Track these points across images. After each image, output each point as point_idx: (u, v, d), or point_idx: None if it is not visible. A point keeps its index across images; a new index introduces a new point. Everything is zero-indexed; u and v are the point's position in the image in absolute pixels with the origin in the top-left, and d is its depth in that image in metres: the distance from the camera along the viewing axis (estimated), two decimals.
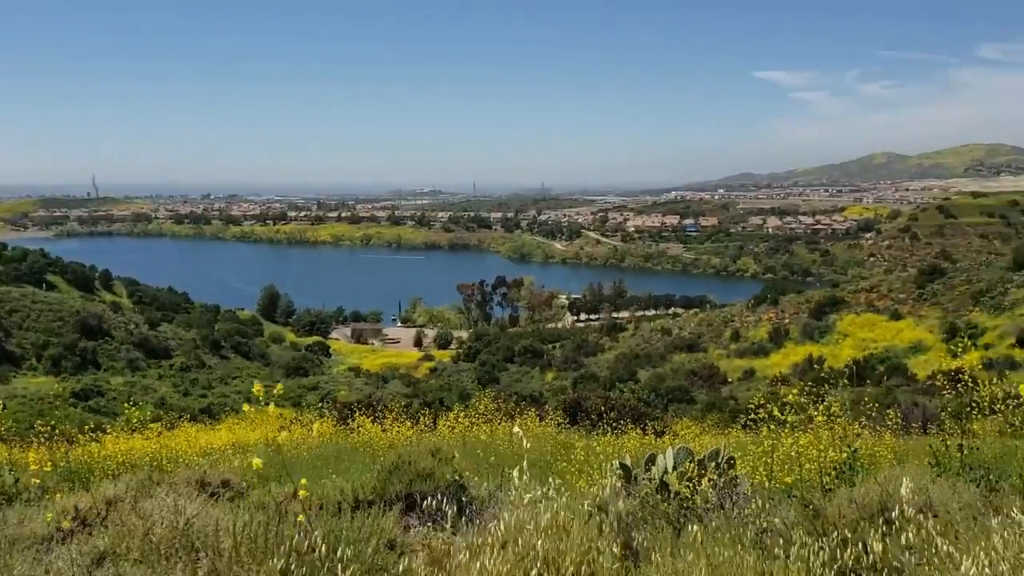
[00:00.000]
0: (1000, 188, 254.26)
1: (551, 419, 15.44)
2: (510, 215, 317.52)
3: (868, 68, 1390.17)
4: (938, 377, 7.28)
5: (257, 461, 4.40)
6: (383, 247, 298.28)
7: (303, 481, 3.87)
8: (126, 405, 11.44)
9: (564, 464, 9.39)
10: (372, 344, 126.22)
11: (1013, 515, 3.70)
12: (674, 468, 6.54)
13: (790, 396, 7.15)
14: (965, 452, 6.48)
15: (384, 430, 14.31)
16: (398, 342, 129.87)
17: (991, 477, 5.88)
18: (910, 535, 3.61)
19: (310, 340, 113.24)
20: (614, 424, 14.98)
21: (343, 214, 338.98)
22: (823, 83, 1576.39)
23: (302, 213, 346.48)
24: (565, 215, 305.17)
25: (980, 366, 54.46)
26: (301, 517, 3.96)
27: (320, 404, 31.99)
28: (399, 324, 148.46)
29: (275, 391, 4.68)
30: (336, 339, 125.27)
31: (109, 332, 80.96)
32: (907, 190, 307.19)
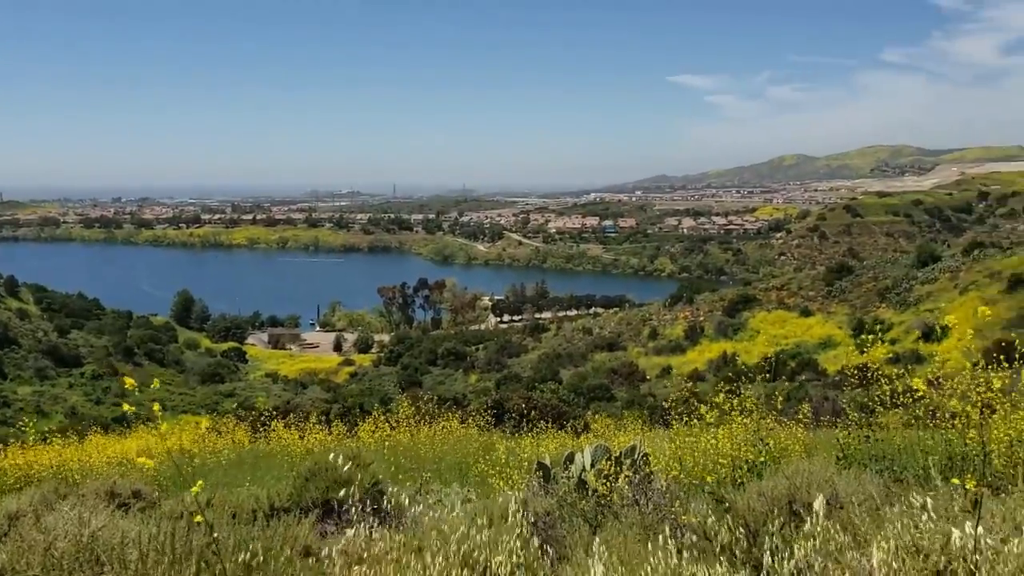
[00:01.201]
0: (904, 188, 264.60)
1: (474, 421, 15.42)
2: (431, 216, 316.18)
3: (778, 72, 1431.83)
4: (846, 371, 7.55)
5: (148, 461, 4.24)
6: (300, 250, 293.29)
7: (199, 484, 3.76)
8: (25, 418, 10.98)
9: (485, 466, 9.38)
10: (290, 349, 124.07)
11: (913, 503, 3.85)
12: (592, 466, 6.61)
13: (718, 397, 7.30)
14: (871, 444, 6.72)
15: (302, 436, 14.07)
16: (317, 347, 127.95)
17: (895, 468, 6.12)
18: (816, 527, 3.72)
19: (226, 346, 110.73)
20: (536, 424, 15.05)
21: (259, 216, 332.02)
22: (735, 87, 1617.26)
23: (216, 216, 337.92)
24: (487, 216, 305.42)
25: (887, 360, 56.45)
26: (198, 517, 3.84)
27: (237, 411, 31.28)
28: (318, 328, 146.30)
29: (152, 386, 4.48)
30: (253, 344, 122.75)
31: (16, 340, 77.63)
32: (816, 190, 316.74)
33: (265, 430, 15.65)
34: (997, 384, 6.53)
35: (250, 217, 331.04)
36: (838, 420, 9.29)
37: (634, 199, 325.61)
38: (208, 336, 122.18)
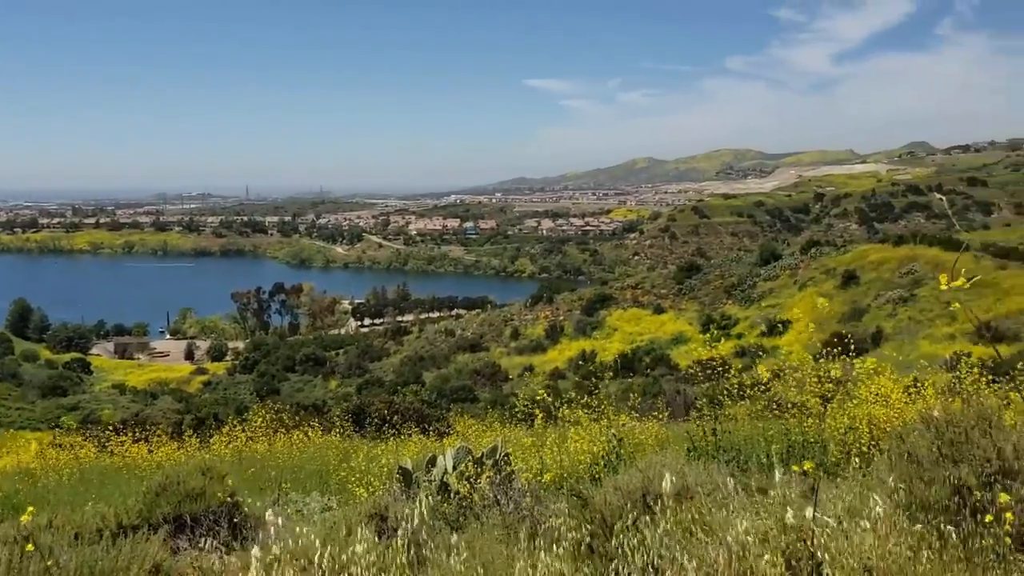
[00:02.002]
0: (747, 190, 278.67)
1: (336, 427, 15.15)
2: (287, 219, 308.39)
3: (629, 78, 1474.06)
4: (696, 366, 7.89)
5: None
6: (148, 255, 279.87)
7: (30, 510, 3.54)
8: None
9: (345, 473, 9.24)
10: (138, 359, 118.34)
11: (754, 489, 4.07)
12: (454, 468, 6.63)
13: (577, 394, 7.44)
14: (718, 435, 7.05)
15: (151, 450, 13.44)
16: (167, 355, 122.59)
17: (741, 457, 6.45)
18: (667, 518, 3.89)
19: (68, 357, 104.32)
20: (398, 428, 14.94)
21: (102, 220, 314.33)
22: (589, 91, 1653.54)
23: (55, 220, 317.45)
24: (346, 218, 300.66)
25: (733, 354, 59.38)
26: (29, 546, 3.62)
27: (81, 425, 29.51)
28: (168, 336, 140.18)
29: None
30: (98, 355, 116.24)
31: None
32: (666, 192, 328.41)
33: (112, 444, 14.84)
34: (837, 374, 6.98)
35: (93, 221, 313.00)
36: (689, 413, 9.67)
37: (495, 201, 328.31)
38: (48, 347, 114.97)
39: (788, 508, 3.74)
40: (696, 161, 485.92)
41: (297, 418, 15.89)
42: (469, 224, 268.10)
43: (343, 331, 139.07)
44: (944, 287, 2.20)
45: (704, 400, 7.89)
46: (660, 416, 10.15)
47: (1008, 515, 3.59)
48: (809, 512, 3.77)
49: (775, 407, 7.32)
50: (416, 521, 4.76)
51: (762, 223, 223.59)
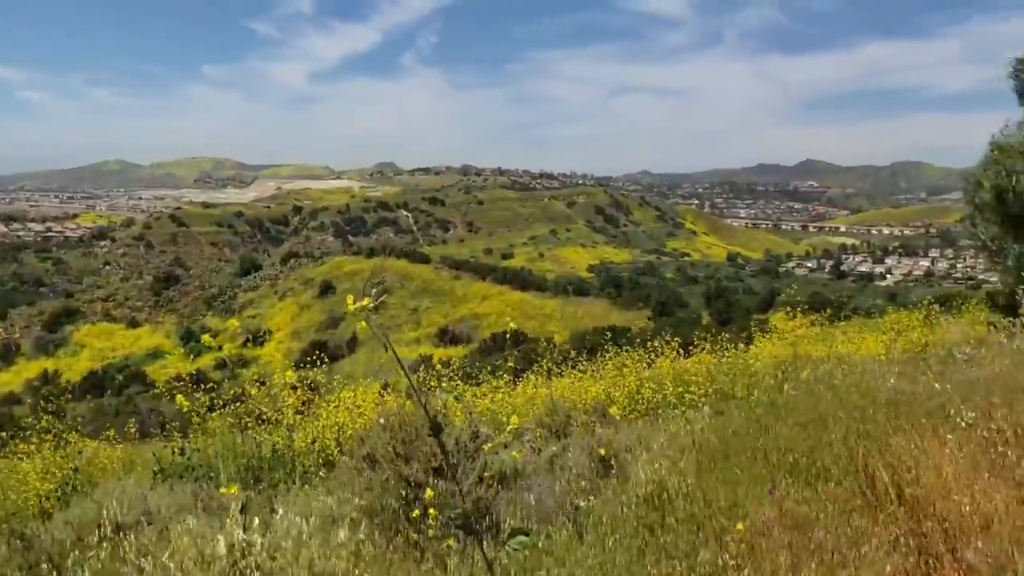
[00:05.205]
0: (227, 199, 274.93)
1: None
2: None
3: (98, 74, 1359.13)
4: (174, 381, 7.56)
5: None
6: None
7: None
8: None
9: None
10: None
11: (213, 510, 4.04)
12: None
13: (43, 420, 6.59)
14: (188, 454, 6.84)
15: None
16: None
17: (211, 475, 6.34)
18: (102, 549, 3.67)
19: None
20: None
21: None
22: (50, 84, 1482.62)
23: None
24: None
25: (214, 367, 58.11)
26: None
27: None
28: None
29: None
30: None
31: None
32: (140, 198, 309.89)
33: None
34: (322, 380, 7.23)
35: None
36: (164, 431, 9.26)
37: None
38: None
39: (219, 530, 3.73)
40: (173, 167, 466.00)
41: None
42: None
43: None
44: (351, 307, 2.44)
45: (180, 417, 7.62)
46: (132, 437, 9.56)
47: (431, 511, 3.99)
48: (246, 531, 3.82)
49: (257, 419, 7.33)
50: None
51: (243, 234, 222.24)
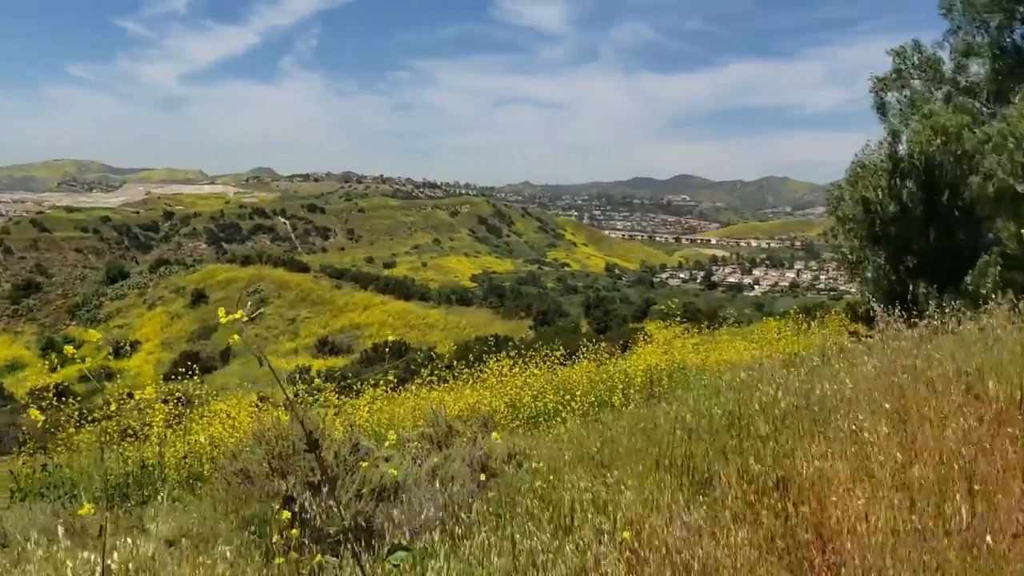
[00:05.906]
0: (93, 204, 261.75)
1: None
2: None
3: None
4: (35, 394, 7.10)
5: None
6: None
7: None
8: None
9: None
10: None
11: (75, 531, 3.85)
12: None
13: None
14: (51, 471, 6.49)
15: None
16: None
17: (75, 492, 6.03)
18: None
19: None
20: None
21: None
22: None
23: None
24: None
25: (77, 379, 55.22)
26: None
27: None
28: None
29: None
30: None
31: None
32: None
33: None
34: (195, 392, 6.98)
35: None
36: (22, 447, 8.77)
37: None
38: None
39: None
40: (34, 169, 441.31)
41: None
42: None
43: None
44: (224, 320, 2.40)
45: (39, 432, 7.23)
46: None
47: (292, 532, 3.90)
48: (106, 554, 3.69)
49: (123, 434, 7.04)
50: None
51: (109, 240, 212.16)
